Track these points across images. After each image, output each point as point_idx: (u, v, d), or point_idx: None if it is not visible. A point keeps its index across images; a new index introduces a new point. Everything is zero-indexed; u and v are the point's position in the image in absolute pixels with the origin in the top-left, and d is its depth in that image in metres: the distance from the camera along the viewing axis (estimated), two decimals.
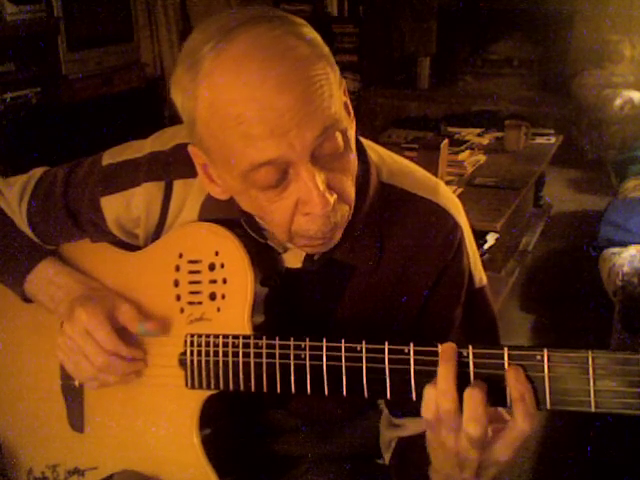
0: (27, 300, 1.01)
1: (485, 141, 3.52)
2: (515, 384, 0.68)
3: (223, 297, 0.86)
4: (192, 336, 0.88)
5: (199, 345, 0.87)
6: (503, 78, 5.45)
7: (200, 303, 0.88)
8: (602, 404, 0.66)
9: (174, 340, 0.90)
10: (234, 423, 0.96)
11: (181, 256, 0.90)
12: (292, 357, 0.80)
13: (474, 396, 0.68)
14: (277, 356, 0.81)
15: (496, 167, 3.13)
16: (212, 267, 0.87)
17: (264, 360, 0.82)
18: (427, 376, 0.73)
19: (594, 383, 0.66)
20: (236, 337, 0.84)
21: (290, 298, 0.90)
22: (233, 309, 0.86)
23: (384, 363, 0.75)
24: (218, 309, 0.87)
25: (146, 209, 0.93)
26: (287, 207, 0.76)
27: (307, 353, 0.79)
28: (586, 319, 2.64)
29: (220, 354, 0.85)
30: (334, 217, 0.77)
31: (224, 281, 0.86)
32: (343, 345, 0.78)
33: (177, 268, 0.90)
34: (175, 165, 0.91)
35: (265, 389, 0.82)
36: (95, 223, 0.97)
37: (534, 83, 5.36)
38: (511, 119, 3.72)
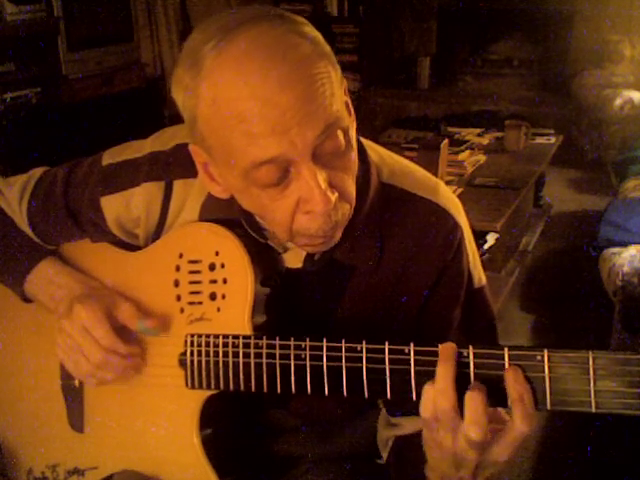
0: (27, 300, 1.01)
1: (485, 141, 3.52)
2: (514, 385, 0.68)
3: (223, 297, 0.86)
4: (192, 336, 0.88)
5: (199, 345, 0.87)
6: (503, 78, 5.45)
7: (200, 303, 0.88)
8: (602, 404, 0.66)
9: (174, 340, 0.90)
10: (234, 423, 0.96)
11: (181, 256, 0.90)
12: (292, 357, 0.80)
13: (474, 398, 0.68)
14: (277, 356, 0.81)
15: (496, 167, 3.13)
16: (212, 267, 0.87)
17: (264, 360, 0.82)
18: (427, 376, 0.73)
19: (594, 383, 0.66)
20: (236, 337, 0.84)
21: (290, 298, 0.90)
22: (233, 309, 0.86)
23: (384, 363, 0.75)
24: (218, 309, 0.87)
25: (146, 209, 0.93)
26: (288, 205, 0.76)
27: (307, 353, 0.79)
28: (586, 319, 2.64)
29: (220, 354, 0.85)
30: (335, 216, 0.77)
31: (224, 281, 0.86)
32: (343, 345, 0.78)
33: (177, 268, 0.90)
34: (175, 165, 0.91)
35: (265, 389, 0.82)
36: (95, 223, 0.97)
37: (534, 83, 5.36)
38: (511, 119, 3.72)
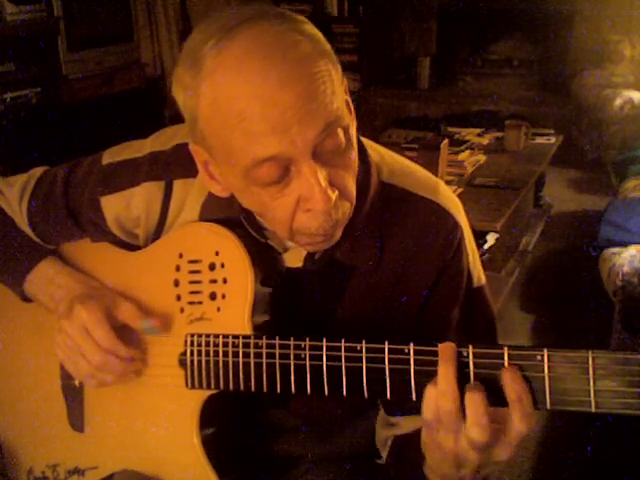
0: (26, 299, 1.01)
1: (485, 141, 3.52)
2: (512, 385, 0.68)
3: (223, 297, 0.86)
4: (192, 336, 0.88)
5: (199, 345, 0.87)
6: (503, 78, 5.46)
7: (200, 303, 0.88)
8: (602, 404, 0.66)
9: (174, 340, 0.90)
10: (234, 423, 0.96)
11: (181, 256, 0.90)
12: (292, 357, 0.80)
13: (474, 399, 0.68)
14: (277, 356, 0.81)
15: (496, 167, 3.13)
16: (212, 267, 0.87)
17: (264, 360, 0.82)
18: (427, 376, 0.73)
19: (594, 383, 0.66)
20: (236, 337, 0.84)
21: (290, 298, 0.90)
22: (233, 309, 0.86)
23: (384, 363, 0.75)
24: (218, 309, 0.87)
25: (146, 209, 0.93)
26: (288, 204, 0.76)
27: (307, 353, 0.79)
28: (586, 319, 2.64)
29: (220, 354, 0.85)
30: (335, 214, 0.77)
31: (224, 281, 0.86)
32: (343, 345, 0.78)
33: (177, 268, 0.90)
34: (175, 165, 0.91)
35: (265, 389, 0.82)
36: (95, 223, 0.97)
37: (534, 83, 5.36)
38: (511, 119, 3.72)
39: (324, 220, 0.76)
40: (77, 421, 1.01)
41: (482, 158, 3.23)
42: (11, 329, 1.08)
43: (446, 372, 0.70)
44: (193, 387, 0.88)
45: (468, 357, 0.71)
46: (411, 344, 0.74)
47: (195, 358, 0.87)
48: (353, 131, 0.78)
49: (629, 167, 3.39)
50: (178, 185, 0.92)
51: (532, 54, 5.40)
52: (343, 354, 0.77)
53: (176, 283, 0.90)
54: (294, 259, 0.88)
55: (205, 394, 0.88)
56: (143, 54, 4.88)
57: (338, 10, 5.37)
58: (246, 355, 0.83)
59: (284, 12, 0.75)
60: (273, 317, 0.88)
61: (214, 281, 0.87)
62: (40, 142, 3.49)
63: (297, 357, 0.80)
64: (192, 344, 0.88)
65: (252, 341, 0.83)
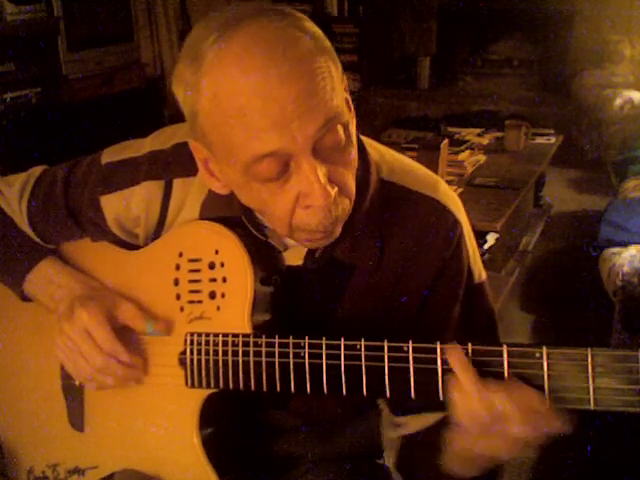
0: (26, 299, 1.01)
1: (485, 141, 3.52)
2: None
3: (223, 296, 0.86)
4: (192, 335, 0.88)
5: (199, 344, 0.87)
6: (503, 78, 5.45)
7: (200, 302, 0.88)
8: (601, 402, 0.67)
9: (174, 339, 0.90)
10: (234, 423, 0.96)
11: (181, 255, 0.90)
12: (291, 356, 0.80)
13: (503, 398, 0.68)
14: (277, 355, 0.81)
15: (496, 167, 3.12)
16: (212, 266, 0.87)
17: (263, 359, 0.82)
18: (426, 374, 0.73)
19: (593, 381, 0.66)
20: (236, 336, 0.84)
21: (290, 297, 0.90)
22: (233, 308, 0.86)
23: (383, 361, 0.75)
24: (218, 308, 0.87)
25: (146, 208, 0.93)
26: (288, 200, 0.76)
27: (306, 352, 0.79)
28: (586, 319, 2.64)
29: (220, 353, 0.85)
30: (335, 210, 0.77)
31: (224, 280, 0.86)
32: (342, 343, 0.78)
33: (177, 267, 0.90)
34: (175, 164, 0.91)
35: (265, 388, 0.82)
36: (95, 222, 0.97)
37: (534, 83, 5.36)
38: (511, 119, 3.72)
39: (323, 216, 0.77)
40: (77, 421, 1.01)
41: (482, 158, 3.23)
42: (11, 329, 1.08)
43: (468, 378, 0.70)
44: (193, 386, 0.88)
45: (468, 356, 0.71)
46: (410, 342, 0.74)
47: (195, 357, 0.87)
48: (353, 128, 0.79)
49: (629, 167, 3.39)
50: (178, 184, 0.92)
51: (532, 54, 5.40)
52: (342, 352, 0.77)
53: (176, 282, 0.90)
54: (294, 257, 0.89)
55: (205, 393, 0.88)
56: (143, 54, 4.87)
57: (338, 10, 5.36)
58: (246, 354, 0.83)
59: (284, 9, 0.75)
60: (273, 316, 0.88)
61: (214, 280, 0.87)
62: (40, 142, 3.49)
63: (296, 356, 0.80)
64: (192, 343, 0.88)
65: (252, 340, 0.83)
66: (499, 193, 2.79)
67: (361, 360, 0.77)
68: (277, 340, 0.81)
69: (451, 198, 0.90)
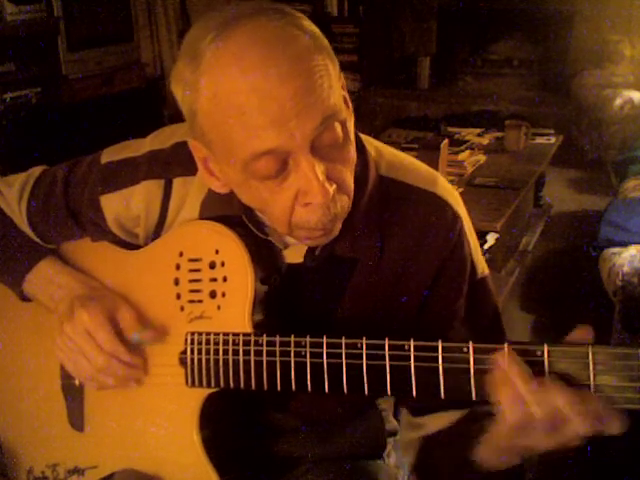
0: (26, 299, 1.01)
1: (485, 141, 3.52)
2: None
3: (223, 295, 0.86)
4: (192, 334, 0.88)
5: (199, 343, 0.87)
6: (503, 78, 5.45)
7: (200, 301, 0.88)
8: (602, 400, 0.66)
9: (175, 339, 0.90)
10: (235, 423, 0.96)
11: (181, 254, 0.90)
12: (292, 354, 0.80)
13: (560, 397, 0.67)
14: (277, 354, 0.81)
15: (496, 167, 3.12)
16: (212, 265, 0.87)
17: (264, 358, 0.82)
18: (427, 372, 0.73)
19: (594, 378, 0.66)
20: (236, 335, 0.84)
21: (291, 295, 0.90)
22: (233, 307, 0.86)
23: (384, 359, 0.75)
24: (218, 307, 0.87)
25: (146, 208, 0.93)
26: (287, 198, 0.76)
27: (307, 350, 0.79)
28: (586, 319, 2.61)
29: (220, 352, 0.85)
30: (334, 208, 0.77)
31: (224, 279, 0.86)
32: (344, 342, 0.78)
33: (177, 266, 0.90)
34: (174, 163, 0.91)
35: (265, 387, 0.82)
36: (95, 222, 0.97)
37: (534, 83, 5.36)
38: (511, 119, 3.72)
39: (322, 214, 0.77)
40: (77, 421, 1.01)
41: (482, 158, 3.23)
42: (11, 329, 1.08)
43: (524, 380, 0.68)
44: (193, 386, 0.88)
45: (468, 353, 0.71)
46: (411, 341, 0.74)
47: (195, 356, 0.87)
48: (351, 126, 0.79)
49: (629, 167, 3.38)
50: (178, 183, 0.92)
51: (532, 54, 5.40)
52: (344, 351, 0.77)
53: (176, 282, 0.90)
54: (295, 255, 0.89)
55: (205, 392, 0.88)
56: (143, 54, 4.87)
57: (338, 10, 5.36)
58: (246, 353, 0.83)
59: (282, 8, 0.76)
60: (274, 315, 0.88)
61: (214, 279, 0.87)
62: (40, 142, 3.49)
63: (297, 354, 0.80)
64: (192, 342, 0.88)
65: (252, 339, 0.83)
66: (499, 193, 2.79)
67: (362, 359, 0.77)
68: (278, 339, 0.81)
69: (450, 193, 0.90)
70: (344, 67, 0.78)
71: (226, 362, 0.85)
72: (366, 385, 0.77)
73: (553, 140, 3.58)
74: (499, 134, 3.53)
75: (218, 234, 0.87)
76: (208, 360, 0.86)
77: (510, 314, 2.82)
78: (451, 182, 2.84)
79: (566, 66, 5.09)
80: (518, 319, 2.81)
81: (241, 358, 0.84)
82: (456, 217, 0.88)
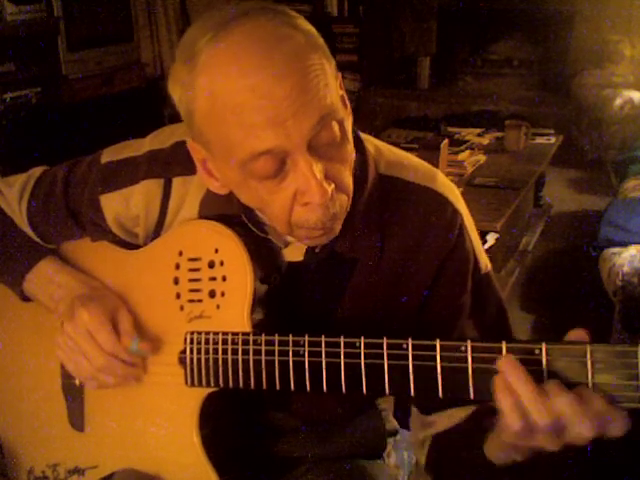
0: (26, 299, 1.01)
1: (485, 141, 3.52)
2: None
3: (223, 295, 0.86)
4: (192, 334, 0.88)
5: (199, 343, 0.87)
6: (503, 78, 5.45)
7: (200, 301, 0.88)
8: (606, 399, 0.66)
9: (174, 338, 0.90)
10: (234, 422, 0.96)
11: (181, 254, 0.90)
12: (291, 354, 0.80)
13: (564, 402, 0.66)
14: (276, 353, 0.81)
15: (496, 167, 3.12)
16: (212, 265, 0.87)
17: (263, 357, 0.82)
18: (425, 371, 0.73)
19: (593, 377, 0.66)
20: (235, 334, 0.84)
21: (292, 294, 0.90)
22: (232, 306, 0.86)
23: (382, 359, 0.75)
24: (218, 306, 0.87)
25: (145, 207, 0.93)
26: (286, 198, 0.76)
27: (306, 349, 0.79)
28: (586, 319, 2.63)
29: (220, 351, 0.85)
30: (333, 207, 0.77)
31: (223, 279, 0.86)
32: (342, 341, 0.78)
33: (177, 266, 0.90)
34: (174, 163, 0.91)
35: (265, 386, 0.82)
36: (95, 222, 0.97)
37: (534, 83, 5.36)
38: (511, 119, 3.72)
39: (322, 213, 0.77)
40: (77, 420, 1.01)
41: (482, 158, 3.23)
42: (11, 329, 1.08)
43: (526, 387, 0.67)
44: (193, 385, 0.88)
45: (466, 352, 0.71)
46: (409, 340, 0.74)
47: (195, 356, 0.87)
48: (348, 125, 0.79)
49: (629, 167, 3.38)
50: (177, 183, 0.92)
51: (532, 54, 5.40)
52: (342, 350, 0.77)
53: (176, 281, 0.90)
54: (295, 254, 0.89)
55: (205, 392, 0.88)
56: (143, 54, 4.87)
57: (338, 10, 5.35)
58: (245, 353, 0.83)
59: (278, 8, 0.76)
60: (273, 314, 0.88)
61: (213, 279, 0.87)
62: (40, 142, 3.49)
63: (296, 354, 0.80)
64: (192, 342, 0.88)
65: (251, 338, 0.83)
66: (499, 193, 2.79)
67: (360, 358, 0.76)
68: (277, 338, 0.81)
69: (449, 188, 0.90)
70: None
71: (225, 362, 0.85)
72: (364, 384, 0.77)
73: (553, 140, 3.58)
74: (499, 134, 3.53)
75: (217, 233, 0.87)
76: (207, 360, 0.86)
77: (510, 314, 2.79)
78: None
79: (566, 66, 5.09)
80: (518, 319, 2.80)
81: (240, 358, 0.84)
82: (456, 214, 0.88)
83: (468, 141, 3.41)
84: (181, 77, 0.75)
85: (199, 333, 0.87)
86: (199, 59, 0.73)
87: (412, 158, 0.93)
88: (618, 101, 4.37)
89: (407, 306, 0.88)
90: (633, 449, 1.90)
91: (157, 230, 0.94)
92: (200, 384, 0.87)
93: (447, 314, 0.88)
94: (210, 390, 0.88)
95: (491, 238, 2.72)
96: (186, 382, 0.88)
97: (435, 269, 0.87)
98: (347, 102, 0.81)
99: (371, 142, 0.91)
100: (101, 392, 0.96)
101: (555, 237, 3.57)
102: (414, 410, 0.96)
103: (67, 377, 1.00)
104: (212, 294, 0.87)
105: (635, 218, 2.61)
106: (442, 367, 0.73)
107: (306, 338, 0.80)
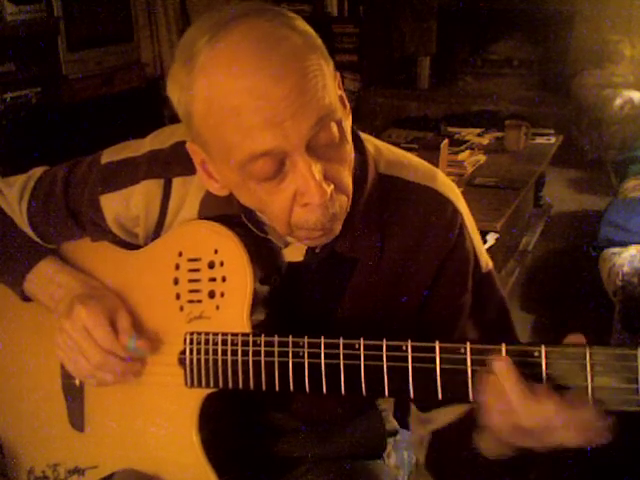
0: (26, 299, 1.01)
1: (485, 141, 3.52)
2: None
3: (222, 295, 0.86)
4: (192, 334, 0.88)
5: (198, 343, 0.87)
6: (503, 78, 5.45)
7: (199, 301, 0.88)
8: (601, 401, 0.66)
9: (174, 339, 0.90)
10: (234, 423, 0.96)
11: (181, 254, 0.90)
12: (290, 355, 0.80)
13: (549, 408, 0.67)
14: (276, 354, 0.81)
15: (496, 167, 3.12)
16: (211, 265, 0.87)
17: (262, 358, 0.82)
18: (425, 373, 0.73)
19: (592, 379, 0.66)
20: (235, 335, 0.84)
21: (291, 294, 0.90)
22: (232, 307, 0.86)
23: (382, 360, 0.75)
24: (217, 307, 0.87)
25: (145, 208, 0.93)
26: (285, 199, 0.76)
27: (305, 351, 0.79)
28: (586, 319, 2.63)
29: (219, 352, 0.85)
30: (332, 207, 0.77)
31: (223, 279, 0.86)
32: (341, 342, 0.78)
33: (177, 266, 0.90)
34: (174, 163, 0.91)
35: (264, 387, 0.82)
36: (95, 222, 0.97)
37: (534, 83, 5.36)
38: (511, 119, 3.72)
39: (321, 214, 0.77)
40: (77, 420, 1.01)
41: (482, 158, 3.23)
42: (11, 329, 1.08)
43: (517, 391, 0.67)
44: (192, 386, 0.88)
45: (466, 354, 0.71)
46: (409, 341, 0.74)
47: (194, 357, 0.87)
48: (347, 125, 0.79)
49: (629, 167, 3.38)
50: (177, 183, 0.92)
51: (532, 54, 5.40)
52: (341, 351, 0.77)
53: (175, 282, 0.90)
54: (295, 254, 0.89)
55: (204, 393, 0.88)
56: (143, 54, 4.87)
57: (338, 10, 5.35)
58: (245, 353, 0.83)
59: (276, 8, 0.76)
60: (274, 314, 0.88)
61: (213, 279, 0.87)
62: (40, 142, 3.49)
63: (295, 355, 0.80)
64: (191, 342, 0.88)
65: (251, 339, 0.83)
66: (499, 193, 2.79)
67: (360, 359, 0.76)
68: (276, 339, 0.81)
69: (450, 188, 0.90)
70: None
71: (225, 362, 0.85)
72: (364, 386, 0.77)
73: (553, 140, 3.58)
74: (499, 134, 3.53)
75: (217, 234, 0.87)
76: (207, 360, 0.86)
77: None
78: None
79: (566, 66, 5.10)
80: (518, 319, 2.79)
81: (240, 358, 0.84)
82: (456, 213, 0.88)
83: (468, 141, 3.41)
84: (180, 78, 0.75)
85: (199, 334, 0.87)
86: (197, 60, 0.73)
87: (412, 158, 0.93)
88: (618, 101, 4.37)
89: (407, 306, 0.88)
90: (633, 449, 1.90)
91: (157, 230, 0.94)
92: (200, 385, 0.87)
93: (447, 314, 0.88)
94: (210, 390, 0.88)
95: (491, 238, 2.72)
96: (186, 383, 0.88)
97: (435, 269, 0.87)
98: (346, 102, 0.81)
99: (371, 142, 0.91)
100: (101, 392, 0.96)
101: (555, 237, 3.57)
102: (412, 408, 0.96)
103: (67, 377, 1.00)
104: (212, 295, 0.87)
105: (635, 218, 2.61)
106: (441, 369, 0.73)
107: (306, 339, 0.79)
